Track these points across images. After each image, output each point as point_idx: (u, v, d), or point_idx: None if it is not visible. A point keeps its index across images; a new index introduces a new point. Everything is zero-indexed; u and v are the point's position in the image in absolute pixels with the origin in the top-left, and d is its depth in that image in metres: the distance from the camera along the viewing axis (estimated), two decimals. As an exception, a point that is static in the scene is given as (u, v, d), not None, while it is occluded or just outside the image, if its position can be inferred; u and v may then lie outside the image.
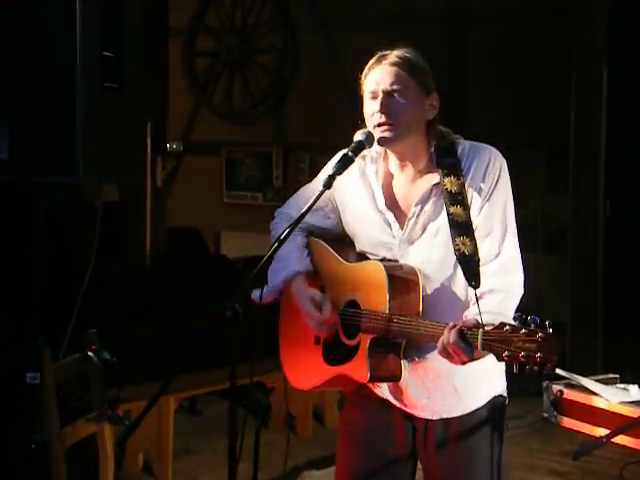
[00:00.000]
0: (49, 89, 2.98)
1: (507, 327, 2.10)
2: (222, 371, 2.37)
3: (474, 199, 2.39)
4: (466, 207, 2.37)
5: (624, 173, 6.46)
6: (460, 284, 2.42)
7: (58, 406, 3.35)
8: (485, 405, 2.49)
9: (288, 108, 8.66)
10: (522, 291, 2.41)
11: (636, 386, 3.16)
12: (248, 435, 2.34)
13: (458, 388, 2.47)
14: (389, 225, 2.48)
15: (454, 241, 2.35)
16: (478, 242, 2.37)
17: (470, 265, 2.33)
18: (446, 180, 2.39)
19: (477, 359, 2.23)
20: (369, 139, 2.43)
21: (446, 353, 2.23)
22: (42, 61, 2.96)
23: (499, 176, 2.41)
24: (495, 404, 2.51)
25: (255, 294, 2.52)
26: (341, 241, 2.61)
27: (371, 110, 2.43)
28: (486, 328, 2.15)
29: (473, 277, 2.32)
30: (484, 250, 2.37)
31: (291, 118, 8.62)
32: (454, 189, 2.38)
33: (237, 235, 8.73)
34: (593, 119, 6.45)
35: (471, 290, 2.35)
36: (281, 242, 2.34)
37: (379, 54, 2.47)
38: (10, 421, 3.23)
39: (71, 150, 2.95)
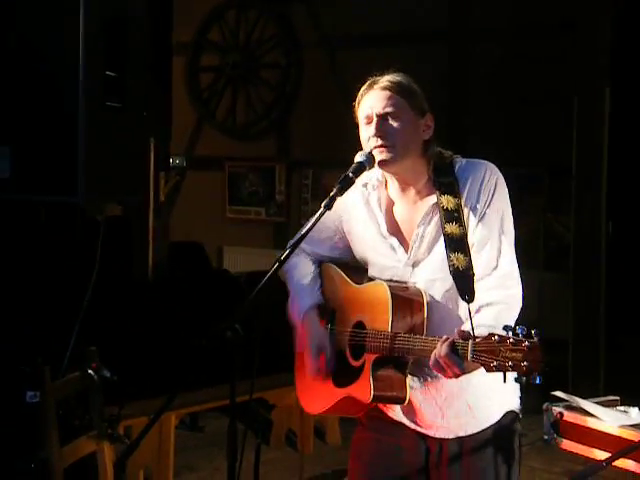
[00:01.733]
0: (51, 108, 2.99)
1: (495, 337, 2.11)
2: (224, 387, 2.37)
3: (470, 215, 2.42)
4: (462, 224, 2.39)
5: (626, 192, 6.47)
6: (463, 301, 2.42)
7: (58, 424, 3.35)
8: (498, 421, 2.50)
9: (291, 124, 8.68)
10: (520, 305, 2.42)
11: (636, 409, 3.14)
12: (249, 452, 2.34)
13: (471, 405, 2.48)
14: (394, 250, 2.50)
15: (449, 257, 2.37)
16: (475, 256, 2.38)
17: (464, 280, 2.35)
18: (443, 198, 2.42)
19: (470, 372, 2.24)
20: (369, 160, 2.45)
21: (438, 366, 2.24)
22: (44, 80, 2.98)
23: (495, 190, 2.43)
24: (507, 420, 2.52)
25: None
26: (356, 265, 2.64)
27: (367, 134, 2.46)
28: (476, 340, 2.16)
29: (466, 292, 2.33)
30: (482, 264, 2.39)
31: (294, 134, 8.64)
32: (450, 206, 2.40)
33: (239, 250, 8.73)
34: (595, 138, 6.45)
35: (472, 306, 2.36)
36: (281, 262, 2.36)
37: (370, 80, 2.49)
38: (10, 440, 3.23)
39: (73, 169, 2.96)
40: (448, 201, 2.41)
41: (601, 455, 2.95)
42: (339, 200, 2.60)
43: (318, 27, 8.40)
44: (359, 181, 2.50)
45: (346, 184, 2.42)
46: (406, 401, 2.43)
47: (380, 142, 2.41)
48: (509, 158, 7.38)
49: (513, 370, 2.07)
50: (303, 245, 2.69)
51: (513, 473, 2.52)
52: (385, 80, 2.46)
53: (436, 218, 2.44)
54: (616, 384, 5.72)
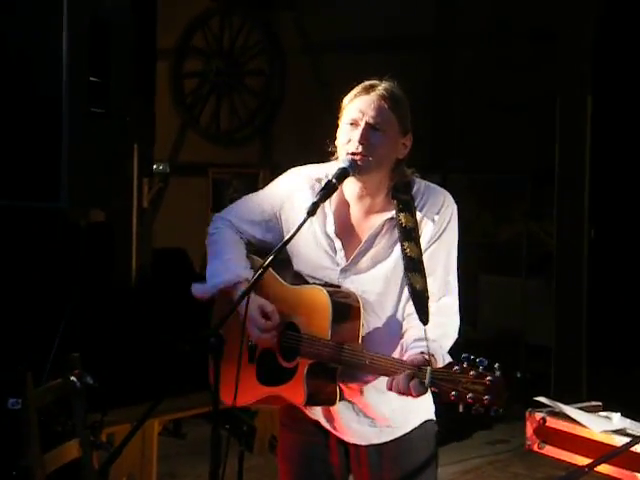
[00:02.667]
0: (35, 114, 2.98)
1: (456, 367, 2.12)
2: (207, 393, 2.37)
3: (422, 238, 2.41)
4: (418, 244, 2.39)
5: (608, 198, 6.49)
6: (398, 316, 2.44)
7: (40, 431, 3.32)
8: (415, 429, 2.53)
9: (275, 130, 8.68)
10: (457, 335, 2.44)
11: (619, 414, 3.16)
12: (233, 459, 2.34)
13: (387, 416, 2.50)
14: (335, 251, 2.48)
15: (407, 275, 2.37)
16: None
17: (421, 301, 2.34)
18: (401, 215, 2.41)
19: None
20: (353, 166, 2.44)
21: (397, 390, 2.23)
22: (28, 86, 2.97)
23: (449, 221, 2.44)
24: (426, 428, 2.54)
25: (195, 289, 2.54)
26: (279, 259, 2.56)
27: (348, 137, 2.44)
28: (436, 366, 2.18)
29: (423, 313, 2.32)
30: None
31: (278, 140, 8.64)
32: (408, 225, 2.40)
33: (223, 256, 8.70)
34: (578, 144, 6.48)
35: (405, 322, 2.39)
36: (265, 269, 2.34)
37: (367, 83, 2.47)
38: (-9, 447, 3.21)
39: (56, 175, 2.95)
40: (406, 219, 2.40)
41: (583, 461, 2.96)
42: (283, 186, 2.61)
43: (302, 34, 8.40)
44: (311, 173, 2.52)
45: (329, 190, 2.40)
46: (336, 404, 2.43)
47: (360, 150, 2.40)
48: (492, 164, 7.43)
49: (473, 402, 2.08)
50: (235, 221, 2.64)
51: (432, 477, 2.55)
52: (382, 89, 2.43)
53: (387, 234, 2.43)
54: (598, 390, 5.75)
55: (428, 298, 2.35)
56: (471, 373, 2.09)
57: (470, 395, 2.07)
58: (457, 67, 7.51)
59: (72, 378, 3.51)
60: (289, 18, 8.46)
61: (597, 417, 3.16)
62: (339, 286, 2.46)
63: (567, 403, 3.29)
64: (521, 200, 7.10)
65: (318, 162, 2.62)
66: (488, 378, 2.07)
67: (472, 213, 6.82)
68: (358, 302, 2.42)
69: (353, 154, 2.41)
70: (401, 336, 2.41)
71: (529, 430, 3.18)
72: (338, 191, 2.49)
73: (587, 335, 6.46)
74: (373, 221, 2.46)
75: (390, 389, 2.25)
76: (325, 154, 2.58)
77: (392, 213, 2.43)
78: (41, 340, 3.42)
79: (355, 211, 2.50)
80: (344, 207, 2.51)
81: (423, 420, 2.54)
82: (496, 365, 2.09)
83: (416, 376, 2.19)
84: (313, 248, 2.51)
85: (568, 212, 6.57)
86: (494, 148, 7.02)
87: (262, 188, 2.72)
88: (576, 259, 6.51)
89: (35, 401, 3.29)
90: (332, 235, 2.48)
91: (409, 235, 2.38)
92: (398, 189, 2.46)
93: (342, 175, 2.42)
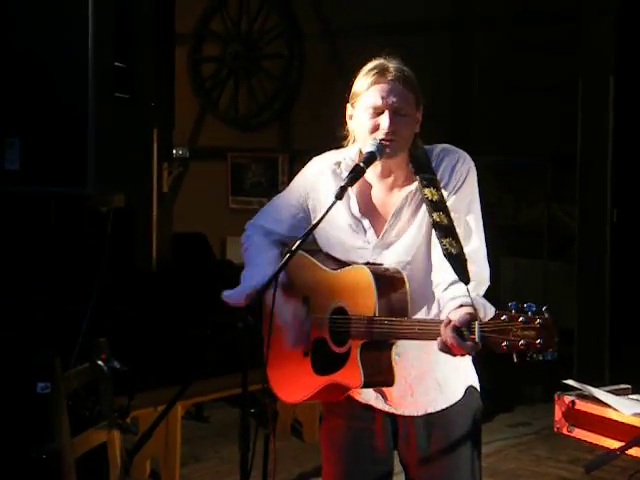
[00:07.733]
0: (61, 99, 2.99)
1: (504, 316, 2.09)
2: (229, 377, 2.37)
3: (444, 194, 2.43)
4: (448, 214, 2.40)
5: (631, 181, 6.46)
6: (429, 281, 2.43)
7: (69, 415, 3.35)
8: (463, 397, 2.53)
9: (293, 114, 8.67)
10: (488, 283, 2.43)
11: (648, 397, 3.15)
12: (257, 442, 2.35)
13: (440, 382, 2.51)
14: (364, 231, 2.51)
15: (441, 242, 2.36)
16: None
17: (458, 264, 2.33)
18: (426, 191, 2.43)
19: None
20: (380, 150, 2.44)
21: (447, 349, 2.21)
22: (55, 71, 2.98)
23: (466, 176, 2.46)
24: (471, 395, 2.55)
25: (227, 296, 2.55)
26: (315, 250, 2.60)
27: (373, 124, 2.44)
28: (481, 317, 2.15)
29: (462, 274, 2.31)
30: None
31: (296, 124, 8.63)
32: (434, 198, 2.41)
33: (242, 241, 8.73)
34: (600, 127, 6.45)
35: (436, 292, 2.39)
36: (293, 253, 2.36)
37: (378, 66, 2.47)
38: (22, 431, 3.24)
39: (83, 161, 2.96)
40: (432, 193, 2.41)
41: (613, 444, 2.95)
42: (305, 177, 2.64)
43: (320, 17, 8.38)
44: (330, 158, 2.56)
45: (357, 174, 2.42)
46: (395, 383, 2.42)
47: (390, 137, 2.42)
48: (512, 147, 7.40)
49: (526, 349, 2.05)
50: (264, 224, 2.70)
51: (479, 447, 2.56)
52: (396, 71, 2.44)
53: (412, 205, 2.45)
54: (621, 372, 5.73)
55: (466, 261, 2.33)
56: (520, 319, 2.06)
57: (522, 342, 2.04)
58: (477, 50, 7.47)
59: (99, 362, 3.53)
60: (307, 1, 8.43)
61: (627, 399, 3.15)
62: (380, 264, 2.46)
63: (591, 385, 3.28)
64: (543, 183, 7.07)
65: (337, 146, 2.65)
66: (538, 321, 2.04)
67: (493, 196, 6.80)
68: (400, 273, 2.42)
69: (383, 140, 2.42)
70: (434, 297, 2.42)
71: (558, 413, 3.17)
72: None
73: (610, 317, 6.45)
74: (397, 196, 2.49)
75: (442, 350, 2.22)
76: (342, 138, 2.60)
77: (414, 186, 2.45)
78: (69, 325, 3.44)
79: (379, 189, 2.53)
80: (367, 188, 2.53)
81: (468, 385, 2.55)
82: (544, 308, 2.07)
83: (464, 332, 2.15)
84: (340, 231, 2.53)
85: (590, 194, 6.54)
86: (515, 131, 6.98)
87: (281, 172, 2.76)
88: (598, 242, 6.48)
89: (64, 385, 3.31)
90: (358, 215, 2.50)
91: (437, 207, 2.40)
92: (418, 164, 2.47)
93: (370, 159, 2.43)
